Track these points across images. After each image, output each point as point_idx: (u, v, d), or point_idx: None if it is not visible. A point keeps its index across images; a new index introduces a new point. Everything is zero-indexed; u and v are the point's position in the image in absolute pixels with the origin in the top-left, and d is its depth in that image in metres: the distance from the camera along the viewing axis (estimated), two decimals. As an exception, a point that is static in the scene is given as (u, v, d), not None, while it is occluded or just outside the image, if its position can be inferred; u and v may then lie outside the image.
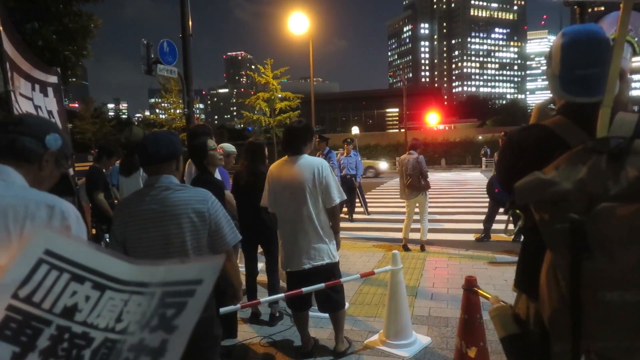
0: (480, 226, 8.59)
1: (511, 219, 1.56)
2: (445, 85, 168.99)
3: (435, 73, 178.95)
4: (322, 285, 3.22)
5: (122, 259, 0.83)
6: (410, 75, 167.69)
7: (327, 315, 4.26)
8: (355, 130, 33.06)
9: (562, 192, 1.12)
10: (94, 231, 5.02)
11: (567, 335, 1.18)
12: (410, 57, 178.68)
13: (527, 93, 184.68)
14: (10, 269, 0.76)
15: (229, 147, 4.63)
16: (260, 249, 4.40)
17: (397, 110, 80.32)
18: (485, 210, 7.97)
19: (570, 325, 1.16)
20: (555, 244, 1.17)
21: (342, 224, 9.29)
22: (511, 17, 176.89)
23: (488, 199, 9.73)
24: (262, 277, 4.52)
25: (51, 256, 0.78)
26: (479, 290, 2.82)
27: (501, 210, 6.56)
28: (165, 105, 33.96)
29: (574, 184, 1.11)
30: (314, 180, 3.19)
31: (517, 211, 1.46)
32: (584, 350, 1.24)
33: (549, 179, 1.14)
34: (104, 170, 5.21)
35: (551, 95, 1.53)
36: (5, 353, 0.70)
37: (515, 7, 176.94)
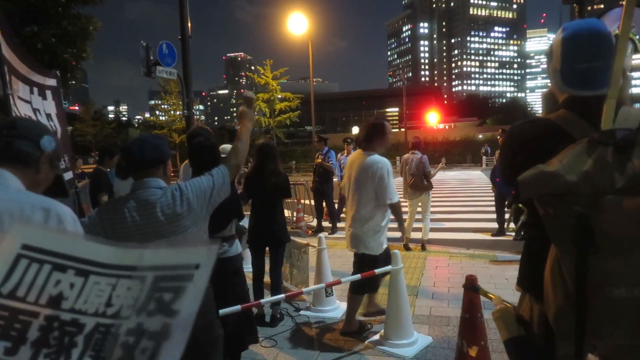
0: (481, 225, 8.62)
1: (513, 216, 1.54)
2: (445, 84, 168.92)
3: (435, 72, 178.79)
4: (320, 286, 3.25)
5: (103, 242, 0.83)
6: (410, 74, 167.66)
7: (328, 315, 4.28)
8: (356, 130, 33.06)
9: (566, 184, 1.09)
10: None
11: (572, 333, 1.15)
12: (410, 57, 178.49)
13: (527, 91, 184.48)
14: None
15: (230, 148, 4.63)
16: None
17: (397, 109, 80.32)
18: (487, 208, 7.97)
19: (575, 323, 1.13)
20: (560, 239, 1.15)
21: (342, 224, 9.32)
22: (510, 15, 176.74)
23: (489, 197, 9.73)
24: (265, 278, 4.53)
25: (29, 250, 0.79)
26: (479, 290, 2.81)
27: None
28: (165, 107, 34.04)
29: (579, 176, 1.08)
30: (369, 177, 3.53)
31: (520, 205, 1.44)
32: (590, 350, 1.22)
33: (553, 172, 1.12)
34: (107, 172, 5.22)
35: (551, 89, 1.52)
36: None
37: (515, 6, 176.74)
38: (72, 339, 0.75)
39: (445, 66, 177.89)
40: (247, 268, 5.08)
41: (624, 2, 1.23)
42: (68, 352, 0.74)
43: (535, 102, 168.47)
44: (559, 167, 1.12)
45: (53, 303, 0.77)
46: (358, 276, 3.69)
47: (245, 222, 4.30)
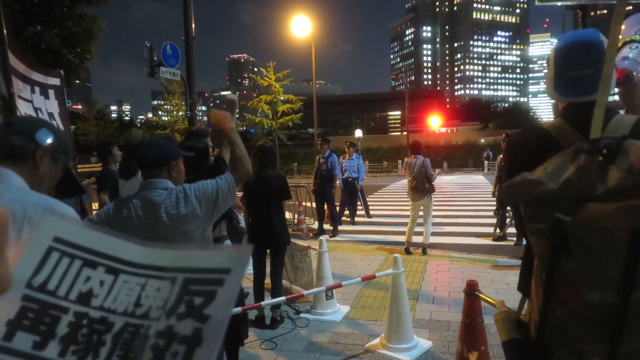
0: (482, 229, 8.60)
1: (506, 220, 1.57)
2: (447, 88, 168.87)
3: (438, 76, 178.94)
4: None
5: (133, 241, 0.83)
6: (413, 78, 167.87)
7: (328, 318, 4.28)
8: (358, 133, 33.10)
9: (547, 192, 1.13)
10: None
11: (557, 337, 1.18)
12: (413, 60, 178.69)
13: (530, 96, 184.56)
14: (21, 259, 0.76)
15: None
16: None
17: (399, 113, 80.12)
18: (488, 213, 7.97)
19: (537, 325, 1.18)
20: (537, 242, 1.18)
21: (344, 227, 9.32)
22: (513, 20, 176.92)
23: (491, 202, 9.72)
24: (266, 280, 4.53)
25: (61, 243, 0.79)
26: (480, 295, 2.81)
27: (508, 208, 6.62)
28: (168, 107, 34.10)
29: (560, 184, 1.12)
30: None
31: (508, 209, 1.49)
32: (588, 357, 1.23)
33: (535, 179, 1.15)
34: (114, 171, 5.18)
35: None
36: (26, 343, 0.71)
37: (518, 10, 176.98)
38: (101, 337, 0.75)
39: (447, 70, 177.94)
40: (249, 270, 5.09)
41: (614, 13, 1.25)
42: (96, 351, 0.74)
43: (537, 107, 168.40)
44: (542, 174, 1.15)
45: (83, 299, 0.77)
46: (358, 279, 3.68)
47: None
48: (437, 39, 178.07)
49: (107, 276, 0.79)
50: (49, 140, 1.28)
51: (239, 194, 4.25)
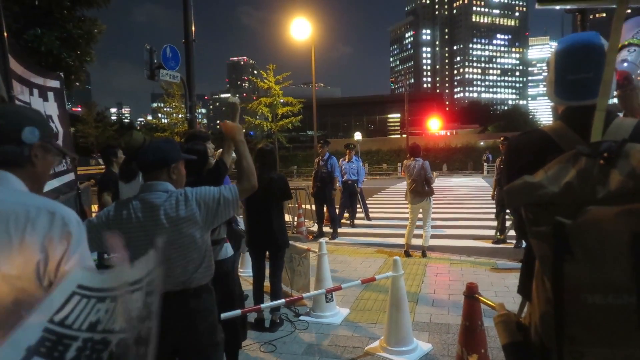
0: (482, 232, 8.60)
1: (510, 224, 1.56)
2: (446, 91, 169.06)
3: (437, 79, 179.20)
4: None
5: (125, 266, 0.94)
6: (412, 80, 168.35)
7: (328, 321, 4.28)
8: (357, 136, 33.11)
9: (548, 195, 1.13)
10: None
11: (553, 339, 1.18)
12: (412, 63, 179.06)
13: (529, 99, 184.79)
14: (48, 298, 0.88)
15: None
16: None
17: (398, 115, 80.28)
18: (488, 215, 7.97)
19: (555, 330, 1.16)
20: (539, 245, 1.18)
21: (343, 230, 9.32)
22: (513, 23, 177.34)
23: (490, 205, 9.71)
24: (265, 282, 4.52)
25: (82, 289, 0.92)
26: (480, 297, 2.81)
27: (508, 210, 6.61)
28: (168, 109, 34.20)
29: (562, 187, 1.12)
30: None
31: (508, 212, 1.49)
32: (577, 358, 1.24)
33: (537, 183, 1.15)
34: (116, 173, 5.18)
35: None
36: None
37: (517, 14, 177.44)
38: (100, 355, 0.87)
39: (447, 73, 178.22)
40: (249, 272, 5.10)
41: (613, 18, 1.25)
42: None
43: (536, 109, 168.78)
44: (543, 178, 1.15)
45: (91, 328, 0.89)
46: (358, 282, 3.69)
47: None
48: (437, 42, 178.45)
49: (111, 304, 0.92)
50: (37, 137, 1.25)
51: None
